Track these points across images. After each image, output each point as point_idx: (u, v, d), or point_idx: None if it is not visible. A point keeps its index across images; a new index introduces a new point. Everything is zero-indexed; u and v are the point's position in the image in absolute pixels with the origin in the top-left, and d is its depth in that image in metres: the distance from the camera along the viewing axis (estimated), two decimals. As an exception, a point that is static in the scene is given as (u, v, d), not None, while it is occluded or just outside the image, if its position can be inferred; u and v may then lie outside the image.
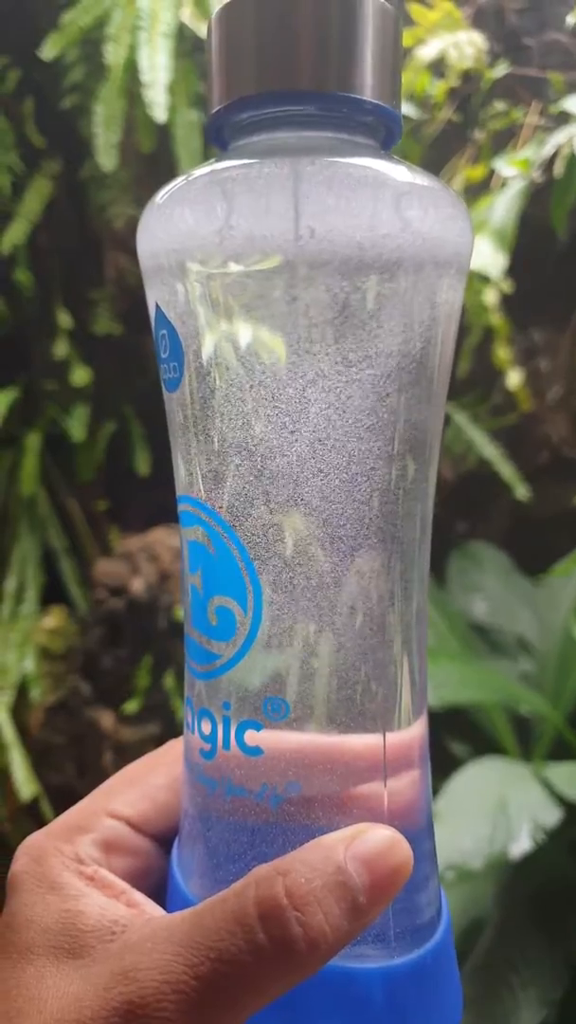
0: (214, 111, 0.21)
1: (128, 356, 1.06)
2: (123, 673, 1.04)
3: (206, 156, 0.94)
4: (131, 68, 0.92)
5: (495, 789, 0.84)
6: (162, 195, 0.21)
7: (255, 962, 0.18)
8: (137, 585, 1.02)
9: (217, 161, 0.20)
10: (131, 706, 1.00)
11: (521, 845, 0.81)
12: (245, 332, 0.19)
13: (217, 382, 0.20)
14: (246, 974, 0.18)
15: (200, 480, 0.21)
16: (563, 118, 0.86)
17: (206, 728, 0.21)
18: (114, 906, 0.22)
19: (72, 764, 1.05)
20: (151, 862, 0.25)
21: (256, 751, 0.21)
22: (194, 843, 0.23)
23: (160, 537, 1.03)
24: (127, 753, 1.02)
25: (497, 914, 0.83)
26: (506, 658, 0.95)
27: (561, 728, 0.88)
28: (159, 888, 0.24)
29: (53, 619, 1.08)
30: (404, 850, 0.20)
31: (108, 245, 1.04)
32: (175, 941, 0.19)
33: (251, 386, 0.19)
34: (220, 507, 0.20)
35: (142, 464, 1.05)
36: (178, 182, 0.20)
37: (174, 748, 0.26)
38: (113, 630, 1.04)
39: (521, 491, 0.95)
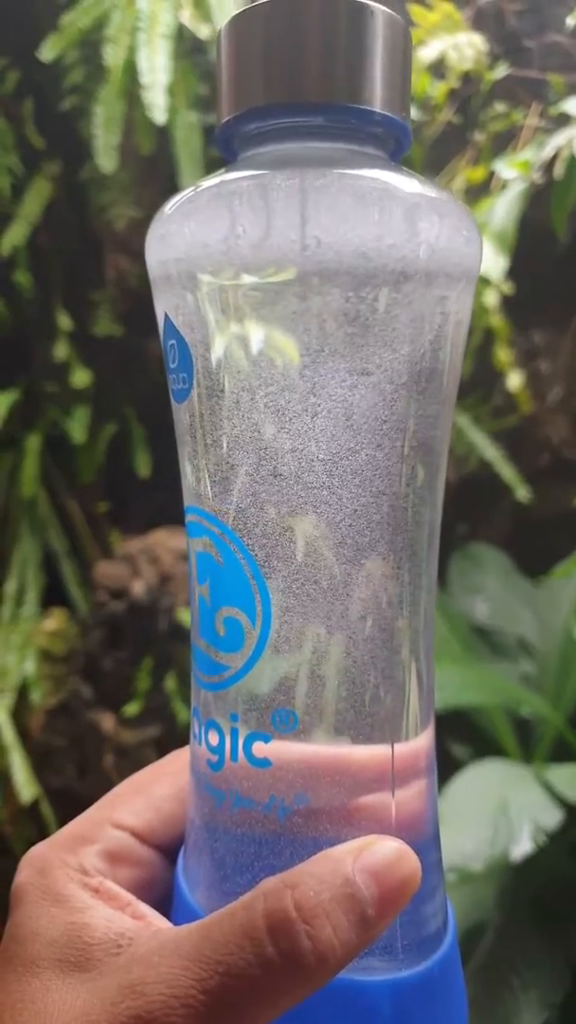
0: (223, 122, 0.21)
1: (129, 358, 1.06)
2: (124, 675, 1.04)
3: (206, 158, 0.94)
4: (130, 70, 0.92)
5: (496, 791, 0.85)
6: (171, 205, 0.21)
7: (264, 976, 0.18)
8: (138, 587, 1.02)
9: (226, 172, 0.20)
10: (132, 708, 1.00)
11: (522, 847, 0.81)
12: (255, 343, 0.19)
13: (226, 393, 0.20)
14: (255, 988, 0.18)
15: (208, 490, 0.21)
16: (563, 120, 0.86)
17: (213, 739, 0.21)
18: (120, 918, 0.22)
19: (73, 766, 1.05)
20: (156, 873, 0.25)
21: (264, 763, 0.21)
22: (200, 854, 0.22)
23: (161, 539, 1.03)
24: (128, 755, 1.02)
25: (498, 916, 0.83)
26: (507, 660, 0.95)
27: (562, 730, 0.88)
28: (165, 899, 0.24)
29: (54, 621, 1.08)
30: (412, 862, 0.20)
31: (108, 246, 1.04)
32: (183, 954, 0.19)
33: (261, 397, 0.19)
34: (228, 518, 0.20)
35: (143, 466, 1.05)
36: (187, 193, 0.20)
37: (180, 757, 0.26)
38: (114, 632, 1.04)
39: (522, 493, 0.95)
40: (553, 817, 0.82)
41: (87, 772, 1.05)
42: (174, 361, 0.21)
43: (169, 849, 0.25)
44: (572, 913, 0.84)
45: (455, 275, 0.20)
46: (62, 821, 1.06)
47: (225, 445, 0.20)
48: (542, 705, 0.88)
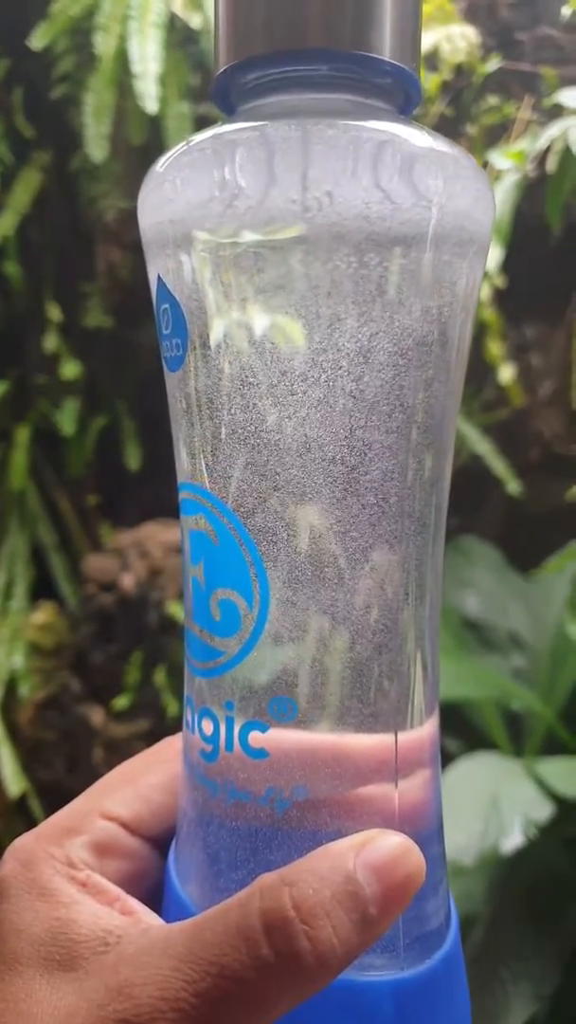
0: (219, 72, 0.19)
1: (119, 350, 1.05)
2: (113, 669, 1.03)
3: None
4: (121, 58, 0.90)
5: (487, 785, 0.84)
6: (163, 162, 0.19)
7: (259, 978, 0.17)
8: (128, 581, 1.00)
9: (223, 125, 0.19)
10: (121, 702, 0.99)
11: (513, 841, 0.81)
12: (252, 307, 0.18)
13: (223, 360, 0.18)
14: (249, 991, 0.17)
15: (203, 466, 0.19)
16: (556, 113, 0.85)
17: (207, 728, 0.20)
18: (108, 914, 0.20)
19: (62, 760, 1.04)
20: (146, 865, 0.23)
21: (261, 753, 0.19)
22: (193, 847, 0.21)
23: (151, 532, 1.02)
24: (117, 749, 1.01)
25: (489, 909, 0.82)
26: (498, 654, 0.94)
27: (553, 724, 0.87)
28: (155, 893, 0.23)
29: (43, 615, 1.06)
30: (416, 857, 0.19)
31: (99, 238, 1.02)
32: (174, 955, 0.18)
33: (260, 364, 0.18)
34: (225, 494, 0.19)
35: (133, 459, 1.04)
36: (180, 147, 0.19)
37: (171, 745, 0.25)
38: (103, 626, 1.03)
39: (513, 487, 0.94)
40: (544, 811, 0.82)
41: (76, 766, 1.04)
42: (167, 327, 0.20)
43: (160, 840, 0.24)
44: (562, 907, 0.84)
45: (468, 237, 0.18)
46: (51, 816, 1.04)
47: (223, 417, 0.19)
48: (533, 699, 0.88)
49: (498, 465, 0.93)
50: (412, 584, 0.19)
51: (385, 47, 0.18)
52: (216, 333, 0.18)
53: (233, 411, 0.18)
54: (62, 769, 1.04)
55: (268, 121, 0.18)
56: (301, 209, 0.17)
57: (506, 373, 0.92)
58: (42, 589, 1.05)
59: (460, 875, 0.82)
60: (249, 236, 0.17)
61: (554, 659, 0.90)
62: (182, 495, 0.20)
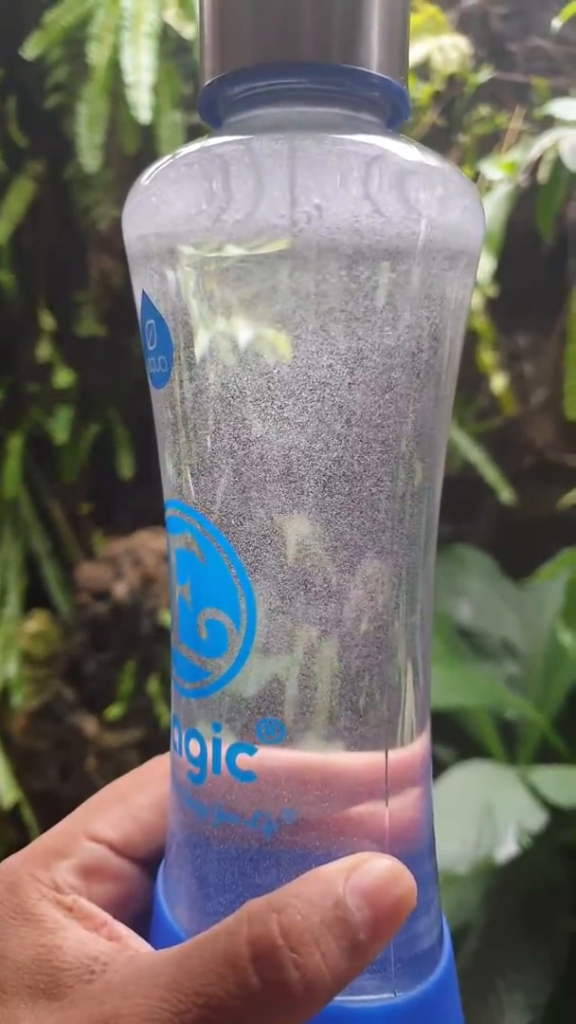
0: (206, 84, 0.19)
1: (112, 358, 1.04)
2: (106, 678, 1.02)
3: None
4: (115, 68, 0.90)
5: (481, 793, 0.83)
6: (149, 175, 0.19)
7: (247, 1008, 0.17)
8: (121, 589, 1.00)
9: (209, 138, 0.18)
10: (114, 711, 0.98)
11: (507, 849, 0.80)
12: (239, 322, 0.17)
13: (210, 375, 0.18)
14: (237, 1021, 0.17)
15: (189, 483, 0.19)
16: (547, 123, 0.85)
17: (195, 750, 0.20)
18: (94, 940, 0.20)
19: (55, 770, 1.03)
20: (134, 887, 0.23)
21: (249, 776, 0.19)
22: (181, 870, 0.21)
23: (144, 540, 1.01)
24: (111, 758, 1.01)
25: (483, 919, 0.81)
26: (491, 662, 0.94)
27: (546, 732, 0.87)
28: (143, 915, 0.23)
29: (36, 623, 1.05)
30: (407, 880, 0.18)
31: (92, 246, 1.02)
32: (160, 984, 0.17)
33: (247, 380, 0.18)
34: (211, 512, 0.19)
35: (126, 466, 1.03)
36: (165, 160, 0.19)
37: (161, 764, 0.24)
38: (96, 634, 1.02)
39: (506, 495, 0.94)
40: (538, 819, 0.81)
41: (69, 775, 1.03)
42: (152, 342, 0.19)
43: (149, 861, 0.23)
44: (557, 915, 0.83)
45: (457, 250, 0.18)
46: (44, 825, 1.04)
47: (208, 433, 0.18)
48: (527, 707, 0.87)
49: (491, 473, 0.93)
50: (403, 600, 0.19)
51: (373, 60, 0.18)
52: (202, 349, 0.18)
53: (219, 428, 0.18)
54: (55, 778, 1.03)
55: (255, 135, 0.17)
56: (289, 224, 0.17)
57: (498, 382, 0.92)
58: (35, 597, 1.04)
59: (454, 884, 0.81)
60: (236, 250, 0.17)
61: (547, 667, 0.90)
62: (168, 512, 0.20)
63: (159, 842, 0.23)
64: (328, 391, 0.17)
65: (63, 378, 1.01)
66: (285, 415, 0.18)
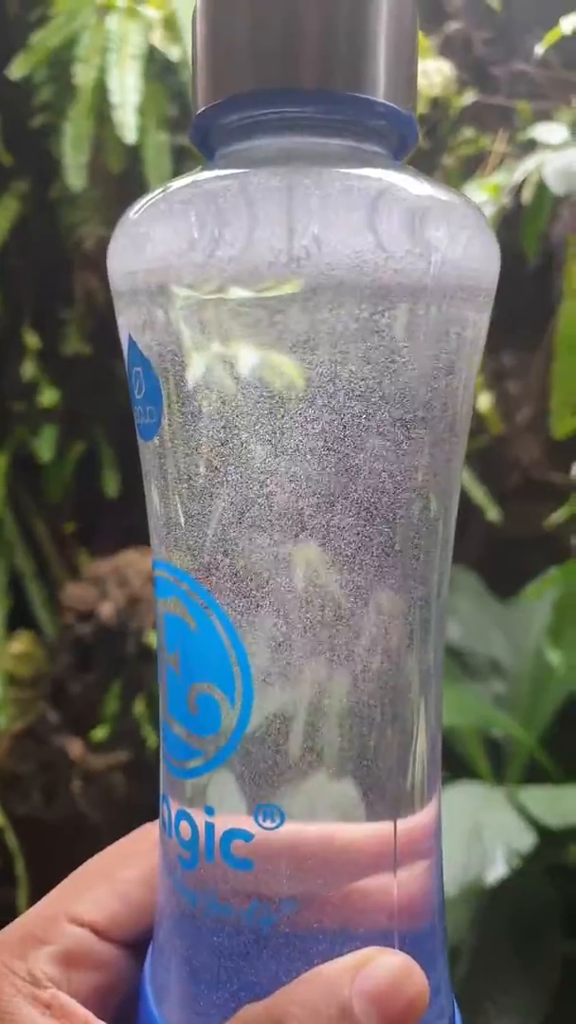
0: (199, 112, 0.17)
1: (98, 377, 1.02)
2: (92, 699, 1.00)
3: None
4: (100, 89, 0.89)
5: (469, 815, 0.82)
6: (137, 210, 0.17)
7: None
8: (106, 609, 0.98)
9: (202, 170, 0.17)
10: (100, 733, 0.96)
11: (496, 871, 0.79)
12: (235, 369, 0.16)
13: (204, 429, 0.16)
14: None
15: (180, 543, 0.17)
16: (531, 146, 0.84)
17: (185, 833, 0.18)
18: None
19: (39, 793, 1.01)
20: (120, 975, 0.21)
21: (246, 864, 0.17)
22: (170, 962, 0.19)
23: (130, 560, 0.99)
24: (96, 781, 0.98)
25: (473, 941, 0.79)
26: (479, 680, 0.92)
27: (534, 751, 0.85)
28: (130, 1004, 0.20)
29: (20, 644, 1.03)
30: (419, 979, 0.17)
31: (78, 265, 1.00)
32: None
33: (247, 434, 0.16)
34: (203, 576, 0.17)
35: (111, 485, 1.01)
36: (155, 195, 0.17)
37: (149, 835, 0.22)
38: (81, 655, 1.00)
39: (493, 513, 0.92)
40: (527, 840, 0.80)
41: (54, 799, 1.00)
42: (139, 391, 0.17)
43: (137, 943, 0.21)
44: (548, 937, 0.82)
45: (472, 292, 0.16)
46: (28, 850, 1.00)
47: (201, 491, 0.16)
48: (514, 726, 0.86)
49: (477, 492, 0.92)
50: (415, 675, 0.17)
51: (379, 87, 0.16)
52: (194, 399, 0.16)
53: (212, 487, 0.16)
54: (39, 802, 1.01)
55: (252, 168, 0.16)
56: (289, 265, 0.15)
57: (484, 400, 0.91)
58: (19, 618, 1.02)
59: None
60: (230, 293, 0.15)
61: (534, 686, 0.88)
62: (156, 573, 0.18)
63: (148, 921, 0.21)
64: (341, 448, 0.16)
65: (48, 397, 1.00)
66: (291, 476, 0.16)
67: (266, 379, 0.16)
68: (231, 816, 0.17)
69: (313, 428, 0.16)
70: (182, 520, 0.17)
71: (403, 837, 0.18)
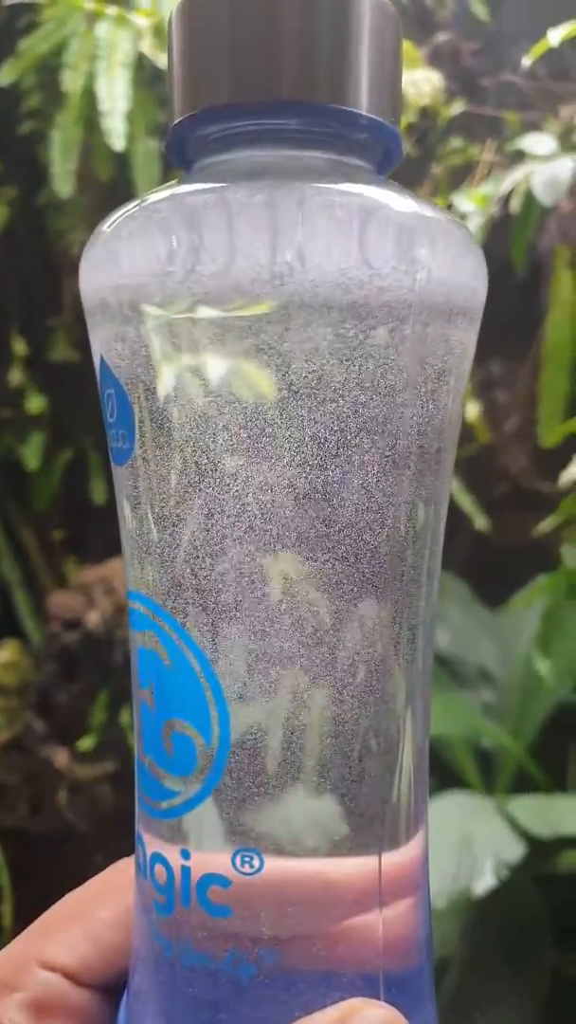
0: (176, 123, 0.16)
1: (85, 383, 1.01)
2: (78, 709, 0.98)
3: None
4: (89, 96, 0.88)
5: (458, 825, 0.81)
6: (111, 223, 0.16)
7: None
8: (93, 618, 0.96)
9: (179, 184, 0.16)
10: (86, 743, 0.95)
11: (485, 882, 0.78)
12: (215, 392, 0.15)
13: (176, 455, 0.15)
14: None
15: (154, 574, 0.16)
16: (519, 156, 0.84)
17: (160, 876, 0.17)
18: None
19: (25, 804, 0.99)
20: (93, 1021, 0.20)
21: (223, 911, 0.16)
22: (146, 1008, 0.18)
23: (117, 569, 0.98)
24: (82, 792, 0.97)
25: (462, 952, 0.79)
26: (467, 689, 0.91)
27: (523, 760, 0.85)
28: None
29: (6, 652, 1.01)
30: None
31: (65, 272, 0.99)
32: None
33: (222, 459, 0.15)
34: (178, 610, 0.16)
35: (99, 493, 1.00)
36: (129, 208, 0.16)
37: (124, 873, 0.21)
38: (68, 664, 0.99)
39: (480, 522, 0.92)
40: (515, 851, 0.79)
41: (40, 810, 0.99)
42: (112, 414, 0.16)
43: (111, 987, 0.20)
44: (536, 948, 0.81)
45: (459, 311, 0.16)
46: (14, 861, 0.99)
47: (175, 519, 0.16)
48: (503, 735, 0.85)
49: (465, 501, 0.91)
50: (403, 718, 0.16)
51: (363, 99, 0.15)
52: (168, 423, 0.15)
53: (187, 514, 0.15)
54: (25, 813, 0.99)
55: (231, 183, 0.15)
56: (271, 283, 0.14)
57: (472, 410, 0.91)
58: (5, 626, 1.01)
59: (433, 918, 0.78)
60: (207, 312, 0.14)
61: (523, 694, 0.87)
62: (131, 605, 0.17)
63: (123, 963, 0.20)
64: (325, 475, 0.15)
65: (35, 404, 0.98)
66: (268, 504, 0.15)
67: (244, 402, 0.15)
68: (208, 860, 0.16)
69: (296, 455, 0.15)
70: (156, 549, 0.16)
71: (388, 874, 0.17)
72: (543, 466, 0.94)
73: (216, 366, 0.15)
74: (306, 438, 0.15)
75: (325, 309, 0.14)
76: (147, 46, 0.89)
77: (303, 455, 0.15)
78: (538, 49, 0.66)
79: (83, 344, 1.03)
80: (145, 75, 0.92)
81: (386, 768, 0.16)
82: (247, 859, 0.16)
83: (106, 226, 0.16)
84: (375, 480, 0.15)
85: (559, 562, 0.88)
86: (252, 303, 0.14)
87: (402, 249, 0.15)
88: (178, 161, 0.17)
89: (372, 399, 0.15)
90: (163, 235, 0.15)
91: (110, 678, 0.95)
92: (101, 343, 0.17)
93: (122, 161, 0.91)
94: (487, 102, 0.89)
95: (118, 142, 0.85)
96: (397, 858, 0.18)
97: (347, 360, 0.15)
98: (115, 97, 0.88)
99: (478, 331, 0.17)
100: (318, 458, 0.15)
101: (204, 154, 0.16)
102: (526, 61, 0.78)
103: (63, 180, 0.90)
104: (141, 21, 0.90)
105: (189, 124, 0.16)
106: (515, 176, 0.79)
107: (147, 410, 0.15)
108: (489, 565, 0.98)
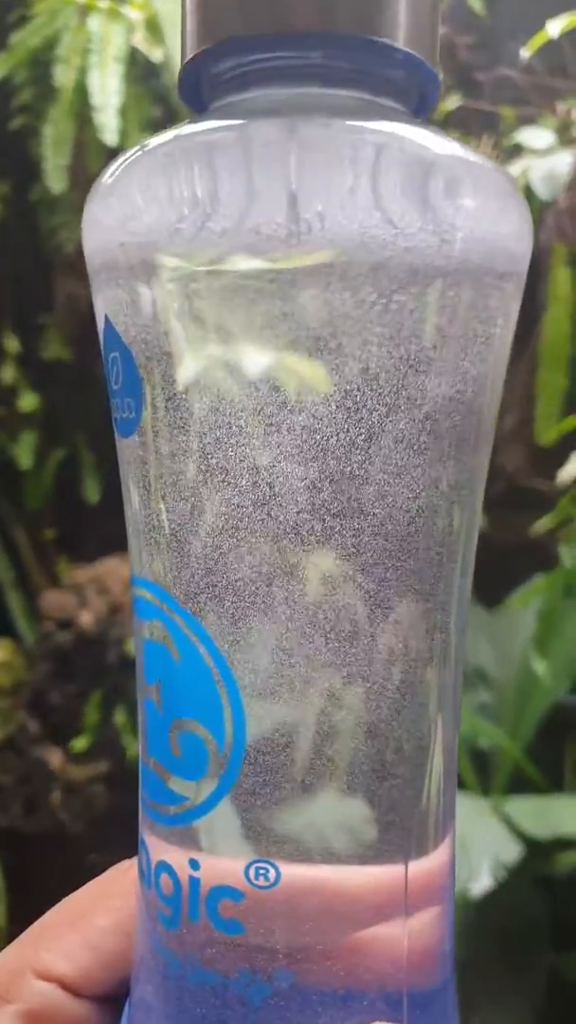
0: (188, 60, 0.15)
1: (78, 382, 1.00)
2: (72, 709, 0.97)
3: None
4: (81, 91, 0.87)
5: (456, 826, 0.80)
6: (113, 171, 0.15)
7: None
8: (86, 618, 0.95)
9: (188, 124, 0.14)
10: (80, 743, 0.93)
11: (482, 883, 0.77)
12: (229, 359, 0.13)
13: (194, 426, 0.14)
14: None
15: (164, 559, 0.15)
16: (515, 151, 0.83)
17: (166, 887, 0.15)
18: None
19: (19, 805, 0.98)
20: None
21: (234, 927, 0.14)
22: (148, 1023, 0.16)
23: (111, 568, 0.97)
24: (77, 792, 0.95)
25: (460, 954, 0.77)
26: (465, 690, 0.90)
27: (520, 761, 0.84)
28: None
29: (0, 653, 1.00)
30: None
31: (58, 269, 0.98)
32: None
33: (240, 432, 0.13)
34: (190, 598, 0.14)
35: (92, 492, 0.99)
36: (133, 153, 0.14)
37: (126, 876, 0.20)
38: (61, 664, 0.97)
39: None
40: (513, 852, 0.78)
41: (34, 810, 0.97)
42: (117, 381, 0.15)
43: (111, 998, 0.19)
44: (534, 949, 0.80)
45: (504, 270, 0.14)
46: (8, 862, 0.97)
47: (188, 498, 0.14)
48: (500, 736, 0.84)
49: (462, 499, 0.90)
50: (432, 716, 0.15)
51: (399, 32, 0.14)
52: (176, 391, 0.14)
53: (203, 494, 0.14)
54: (19, 813, 0.98)
55: (247, 119, 0.13)
56: (287, 235, 0.13)
57: (469, 408, 0.90)
58: (-2, 626, 0.99)
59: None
60: (225, 265, 0.13)
61: (520, 695, 0.86)
62: (136, 592, 0.16)
63: (124, 972, 0.19)
64: (354, 452, 0.13)
65: (28, 402, 0.97)
66: (297, 482, 0.13)
67: (268, 370, 0.13)
68: (219, 871, 0.15)
69: (322, 428, 0.13)
70: (167, 532, 0.14)
71: (415, 882, 0.16)
72: (540, 465, 0.93)
73: (234, 329, 0.13)
74: (335, 415, 0.13)
75: (351, 269, 0.13)
76: (140, 40, 0.88)
77: (331, 430, 0.13)
78: (537, 40, 0.65)
79: (76, 342, 1.01)
80: (138, 69, 0.90)
81: (416, 771, 0.15)
82: (262, 871, 0.14)
83: (107, 175, 0.15)
84: (412, 456, 0.14)
85: (556, 561, 0.87)
86: (277, 256, 0.13)
87: (444, 199, 0.13)
88: (193, 105, 0.16)
89: (410, 375, 0.14)
90: (172, 180, 0.13)
91: (104, 678, 0.94)
92: (105, 302, 0.15)
93: (115, 156, 0.90)
94: (483, 97, 0.88)
95: (111, 137, 0.84)
96: (425, 865, 0.16)
97: (383, 328, 0.13)
98: (108, 92, 0.86)
99: (520, 299, 0.16)
100: (348, 434, 0.14)
101: (219, 94, 0.15)
102: (524, 53, 0.77)
103: (56, 176, 0.88)
104: (134, 15, 0.89)
105: (203, 60, 0.14)
106: (512, 171, 0.78)
107: (157, 376, 0.14)
108: (486, 564, 0.97)
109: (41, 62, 0.90)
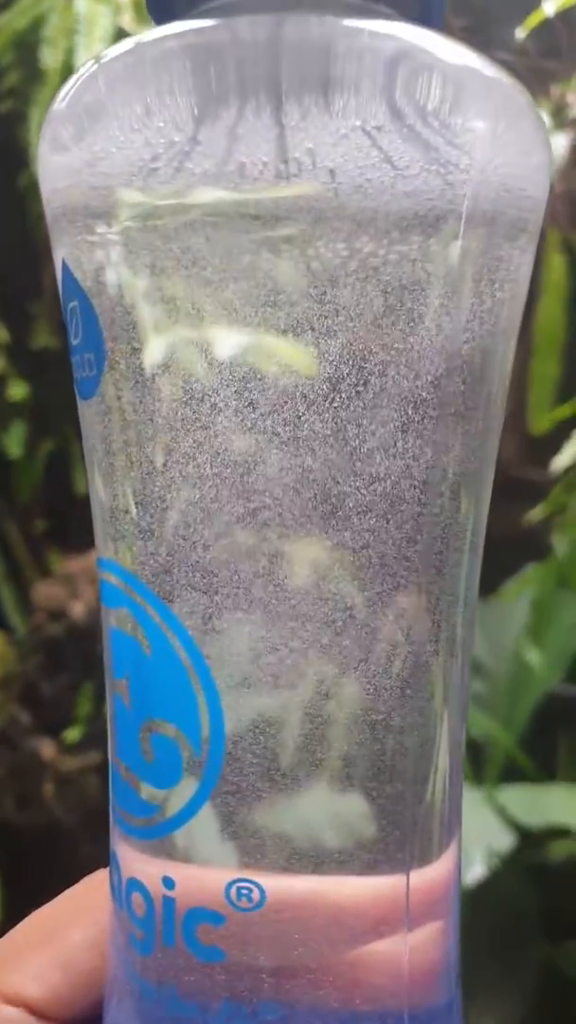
0: None
1: (68, 371, 0.97)
2: (64, 700, 0.96)
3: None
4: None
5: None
6: (65, 94, 0.12)
7: None
8: (78, 609, 0.94)
9: (155, 31, 0.12)
10: (72, 734, 0.92)
11: (475, 872, 0.77)
12: (200, 309, 0.11)
13: (157, 385, 0.12)
14: None
15: (129, 537, 0.13)
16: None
17: (138, 907, 0.13)
18: None
19: (11, 797, 0.96)
20: None
21: (214, 954, 0.13)
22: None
23: (102, 559, 0.95)
24: (69, 784, 0.94)
25: (452, 944, 0.77)
26: (457, 679, 0.89)
27: (512, 751, 0.83)
28: None
29: (-11, 644, 0.98)
30: None
31: (47, 256, 0.95)
32: None
33: (212, 391, 0.11)
34: (160, 584, 0.12)
35: (82, 483, 0.97)
36: (87, 69, 0.12)
37: (100, 888, 0.18)
38: (53, 656, 0.96)
39: (470, 510, 0.89)
40: (506, 841, 0.77)
41: (27, 803, 0.96)
42: (76, 335, 0.13)
43: (85, 1020, 0.17)
44: (527, 938, 0.79)
45: (518, 215, 0.12)
46: (0, 855, 0.95)
47: (156, 467, 0.12)
48: (493, 726, 0.83)
49: (455, 488, 0.89)
50: (435, 712, 0.13)
51: None
52: (143, 345, 0.12)
53: (173, 463, 0.12)
54: (11, 806, 0.96)
55: (219, 20, 0.11)
56: (272, 161, 0.11)
57: (462, 396, 0.88)
58: (-12, 618, 0.97)
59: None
60: (196, 198, 0.11)
61: (513, 685, 0.86)
62: (101, 575, 0.14)
63: (98, 993, 0.17)
64: (345, 423, 0.11)
65: (17, 391, 0.95)
66: (276, 450, 0.11)
67: (249, 319, 0.11)
68: (197, 891, 0.13)
69: (307, 393, 0.11)
70: (132, 507, 0.12)
71: (417, 894, 0.14)
72: (533, 454, 0.92)
73: (205, 274, 0.11)
74: (321, 378, 0.12)
75: (347, 205, 0.11)
76: (127, 21, 0.85)
77: (318, 396, 0.12)
78: (532, 20, 0.63)
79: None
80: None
81: (417, 773, 0.13)
82: (245, 892, 0.12)
83: (60, 99, 0.12)
84: (411, 430, 0.12)
85: (549, 551, 0.86)
86: (258, 188, 0.11)
87: (454, 120, 0.11)
88: (160, 15, 0.14)
89: (412, 333, 0.12)
90: (128, 99, 0.11)
91: (96, 669, 0.92)
92: (63, 246, 0.13)
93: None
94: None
95: (100, 120, 0.82)
96: (429, 874, 0.14)
97: (378, 272, 0.11)
98: (97, 76, 0.84)
99: (534, 251, 0.14)
100: (338, 401, 0.12)
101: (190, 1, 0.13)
102: (520, 33, 0.75)
103: (44, 160, 0.86)
104: (122, -5, 0.86)
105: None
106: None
107: (120, 326, 0.12)
108: (478, 553, 0.95)
109: (27, 44, 0.87)
